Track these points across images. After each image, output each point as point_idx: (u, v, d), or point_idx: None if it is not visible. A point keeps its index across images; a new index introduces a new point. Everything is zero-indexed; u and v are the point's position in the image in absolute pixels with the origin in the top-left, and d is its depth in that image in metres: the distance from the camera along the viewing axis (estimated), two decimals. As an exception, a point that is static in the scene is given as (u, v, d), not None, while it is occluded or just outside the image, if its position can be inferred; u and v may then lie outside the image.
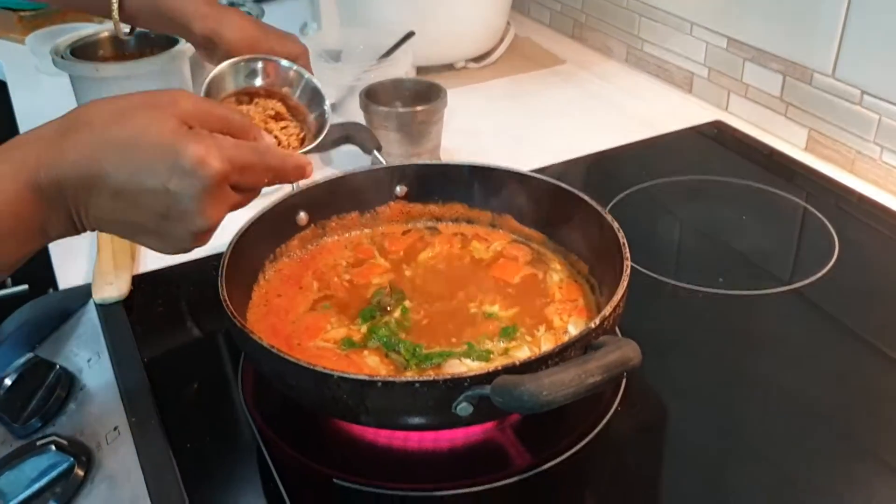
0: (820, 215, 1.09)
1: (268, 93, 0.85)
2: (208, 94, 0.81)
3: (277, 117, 0.84)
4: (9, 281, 1.50)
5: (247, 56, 0.86)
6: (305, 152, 0.83)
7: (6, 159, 0.63)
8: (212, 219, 0.65)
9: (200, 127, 0.66)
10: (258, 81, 0.85)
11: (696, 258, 1.05)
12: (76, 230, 0.66)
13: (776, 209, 1.13)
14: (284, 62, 0.86)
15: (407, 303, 0.85)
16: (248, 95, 0.85)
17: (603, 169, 1.22)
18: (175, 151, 0.62)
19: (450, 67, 1.57)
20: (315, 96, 0.86)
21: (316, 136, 0.84)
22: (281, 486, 0.73)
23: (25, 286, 1.48)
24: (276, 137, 0.82)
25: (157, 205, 0.63)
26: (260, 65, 0.86)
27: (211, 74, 0.82)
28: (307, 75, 0.87)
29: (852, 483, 0.74)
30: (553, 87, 1.53)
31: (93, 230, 0.67)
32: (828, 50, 1.19)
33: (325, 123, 0.85)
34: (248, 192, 0.70)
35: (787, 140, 1.30)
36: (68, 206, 0.64)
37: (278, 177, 0.71)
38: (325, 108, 0.86)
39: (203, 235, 0.67)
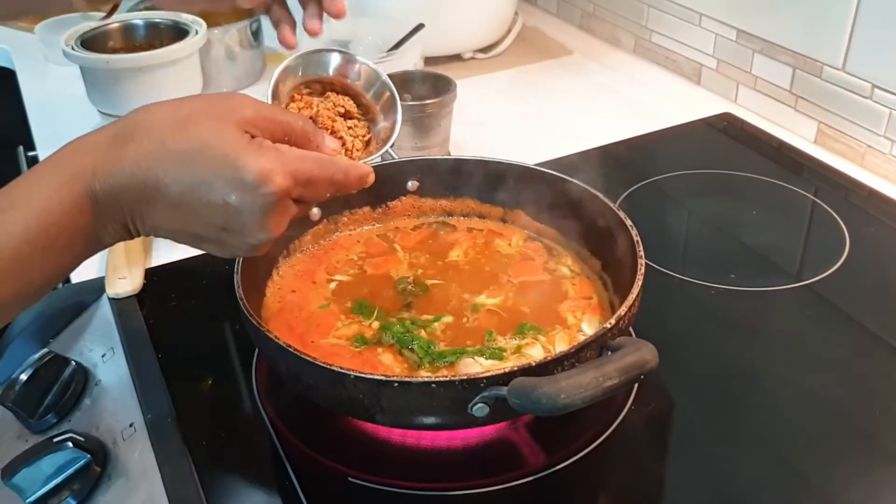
0: (830, 210, 1.10)
1: (342, 87, 0.82)
2: (280, 81, 0.78)
3: (346, 115, 0.81)
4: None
5: (323, 47, 0.83)
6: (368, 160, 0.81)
7: (61, 169, 0.62)
8: (273, 231, 0.65)
9: (263, 135, 0.65)
10: (331, 72, 0.82)
11: (707, 253, 1.05)
12: (130, 236, 0.66)
13: (786, 203, 1.13)
14: (361, 58, 0.83)
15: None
16: (321, 85, 0.82)
17: (613, 162, 1.22)
18: (237, 167, 0.61)
19: (457, 58, 1.57)
20: (388, 99, 0.83)
21: (384, 143, 0.82)
22: (297, 484, 0.73)
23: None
24: (341, 138, 0.80)
25: (217, 217, 0.63)
26: (336, 56, 0.82)
27: (284, 63, 0.80)
28: (384, 76, 0.83)
29: (865, 480, 0.74)
30: (560, 78, 1.52)
31: (147, 235, 0.66)
32: (838, 43, 1.19)
33: (395, 131, 0.82)
34: (309, 203, 0.70)
35: (797, 133, 1.29)
36: (124, 215, 0.63)
37: (341, 189, 0.70)
38: (397, 114, 0.83)
39: (263, 246, 0.66)
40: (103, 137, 0.63)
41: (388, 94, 0.83)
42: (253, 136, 0.64)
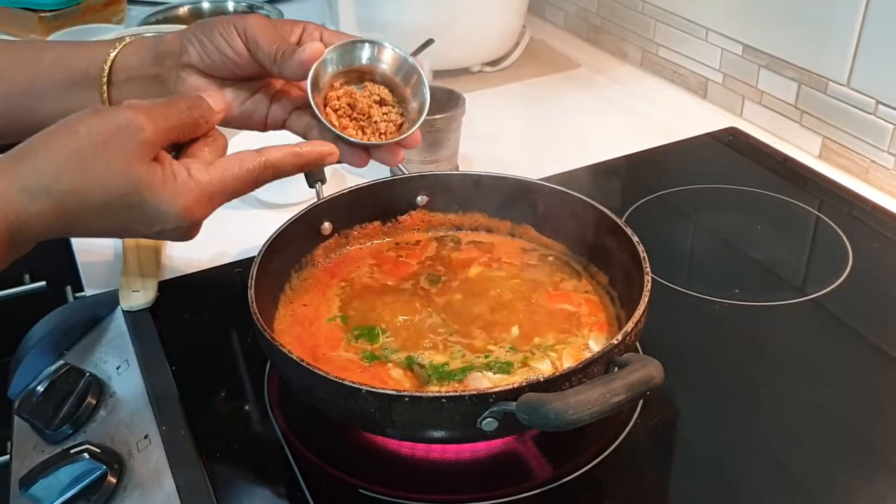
0: (833, 225, 1.11)
1: (377, 74, 0.86)
2: (317, 72, 0.81)
3: (381, 102, 0.85)
4: (26, 277, 1.51)
5: (357, 38, 0.86)
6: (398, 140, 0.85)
7: None
8: (201, 223, 0.74)
9: (164, 147, 0.70)
10: (364, 61, 0.86)
11: (713, 268, 1.07)
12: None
13: (790, 218, 1.14)
14: (389, 44, 0.86)
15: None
16: (357, 73, 0.86)
17: (619, 176, 1.24)
18: (157, 213, 0.68)
19: (466, 71, 1.58)
20: (416, 80, 0.86)
21: (413, 123, 0.85)
22: (308, 495, 0.75)
23: (43, 283, 1.49)
24: (376, 122, 0.84)
25: (145, 233, 0.71)
26: (367, 46, 0.86)
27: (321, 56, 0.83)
28: (411, 60, 0.86)
29: (869, 493, 0.75)
30: (568, 92, 1.54)
31: None
32: (843, 59, 1.20)
33: (423, 111, 0.85)
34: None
35: (802, 148, 1.31)
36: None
37: (286, 175, 0.77)
38: (425, 95, 0.86)
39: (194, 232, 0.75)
40: (4, 183, 0.66)
41: (416, 76, 0.86)
42: (157, 158, 0.68)
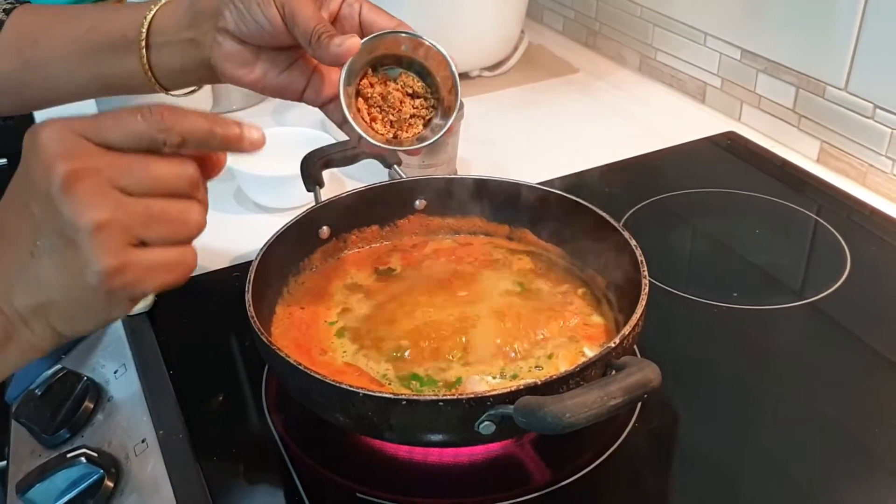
0: (832, 228, 1.11)
1: (418, 70, 0.83)
2: (353, 60, 0.78)
3: (414, 95, 0.83)
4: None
5: (398, 31, 0.82)
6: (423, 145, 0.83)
7: None
8: (74, 163, 0.54)
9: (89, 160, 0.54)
10: (403, 49, 0.82)
11: (711, 272, 1.07)
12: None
13: (788, 222, 1.14)
14: (429, 40, 0.82)
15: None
16: (395, 59, 0.83)
17: (618, 180, 1.24)
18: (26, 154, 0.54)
19: (464, 76, 1.58)
20: (451, 85, 0.83)
21: (437, 130, 0.83)
22: (306, 499, 0.74)
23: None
24: (404, 118, 0.82)
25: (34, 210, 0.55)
26: (405, 38, 0.82)
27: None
28: (452, 64, 0.82)
29: (869, 496, 0.75)
30: (566, 97, 1.54)
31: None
32: (841, 63, 1.20)
33: (450, 117, 0.83)
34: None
35: (800, 152, 1.31)
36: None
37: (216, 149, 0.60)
38: (457, 101, 0.83)
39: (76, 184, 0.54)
40: None
41: (451, 78, 0.83)
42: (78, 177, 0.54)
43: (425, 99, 0.84)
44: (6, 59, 0.85)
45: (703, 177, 1.25)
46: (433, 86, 0.84)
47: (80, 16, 0.85)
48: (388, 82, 0.83)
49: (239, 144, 0.59)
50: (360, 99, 0.82)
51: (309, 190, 0.98)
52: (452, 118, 0.82)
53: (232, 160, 1.15)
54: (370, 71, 0.82)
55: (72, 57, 0.83)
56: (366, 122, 0.82)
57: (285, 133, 1.25)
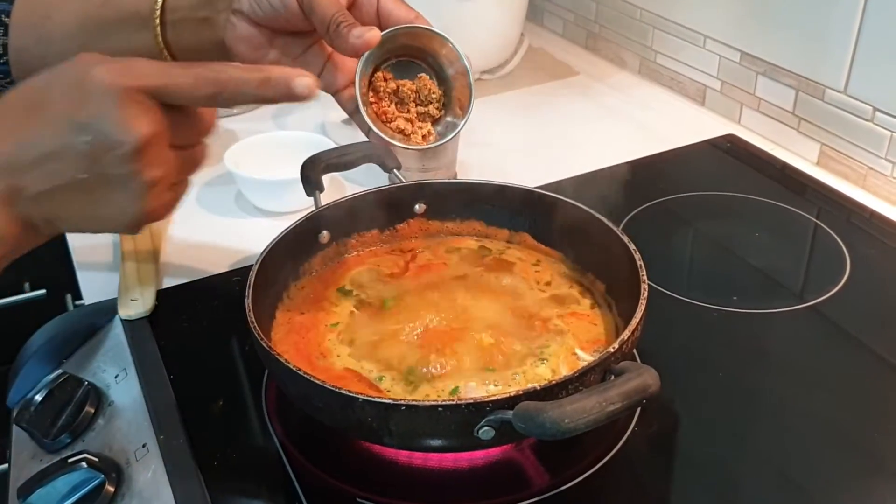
0: (831, 231, 1.11)
1: (432, 66, 0.83)
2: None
3: (425, 93, 0.83)
4: (27, 285, 1.52)
5: (418, 26, 0.80)
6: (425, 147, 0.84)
7: None
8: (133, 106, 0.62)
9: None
10: (418, 48, 0.82)
11: (710, 275, 1.07)
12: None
13: (788, 225, 1.15)
14: (452, 41, 0.82)
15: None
16: (411, 50, 0.82)
17: (617, 183, 1.24)
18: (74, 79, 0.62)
19: (465, 78, 1.58)
20: (465, 86, 0.84)
21: (441, 136, 0.84)
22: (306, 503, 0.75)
23: (43, 291, 1.50)
24: (412, 114, 0.83)
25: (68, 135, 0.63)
26: (426, 36, 0.81)
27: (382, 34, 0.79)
28: (461, 52, 0.82)
29: (869, 499, 0.75)
30: (566, 100, 1.54)
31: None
32: (840, 66, 1.21)
33: (461, 123, 0.83)
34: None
35: (800, 155, 1.31)
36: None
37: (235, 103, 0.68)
38: (469, 106, 0.83)
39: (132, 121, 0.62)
40: None
41: (466, 79, 0.83)
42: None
43: (437, 100, 0.83)
44: (20, 34, 0.85)
45: (702, 180, 1.25)
46: (446, 82, 0.83)
47: None
48: (401, 78, 0.82)
49: (289, 97, 0.67)
50: (371, 91, 0.82)
51: (309, 194, 0.98)
52: (465, 120, 0.82)
53: (232, 165, 1.15)
54: (384, 64, 0.82)
55: (84, 32, 0.83)
56: (376, 114, 0.82)
57: (286, 137, 1.26)
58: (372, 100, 0.83)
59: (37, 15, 0.85)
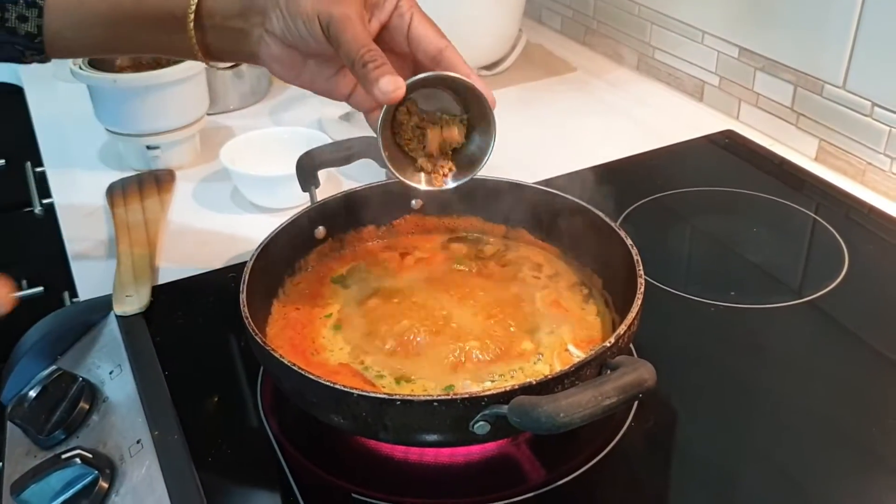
0: (830, 227, 1.10)
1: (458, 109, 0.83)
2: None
3: (448, 133, 0.83)
4: (24, 283, 1.51)
5: (436, 73, 0.79)
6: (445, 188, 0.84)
7: None
8: None
9: None
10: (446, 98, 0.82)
11: (708, 270, 1.06)
12: None
13: (786, 220, 1.14)
14: (479, 82, 0.80)
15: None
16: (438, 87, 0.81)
17: (615, 179, 1.23)
18: None
19: (462, 75, 1.58)
20: (485, 126, 0.82)
21: (460, 177, 0.84)
22: (301, 499, 0.74)
23: (41, 288, 1.49)
24: (433, 161, 0.83)
25: None
26: (449, 79, 0.79)
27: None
28: (486, 101, 0.80)
29: (867, 495, 0.75)
30: (564, 95, 1.54)
31: None
32: (839, 61, 1.20)
33: (477, 169, 0.83)
34: None
35: (798, 150, 1.31)
36: None
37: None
38: (488, 154, 0.82)
39: None
40: None
41: (489, 118, 0.81)
42: None
43: (459, 121, 0.83)
44: (55, 18, 0.84)
45: (700, 175, 1.25)
46: (468, 115, 0.83)
47: None
48: (424, 101, 0.81)
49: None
50: (395, 121, 0.82)
51: (305, 190, 0.98)
52: (483, 163, 0.82)
53: (228, 161, 1.15)
54: (410, 107, 0.81)
55: (116, 24, 0.83)
56: (397, 145, 0.82)
57: (282, 133, 1.25)
58: (396, 130, 0.82)
59: (71, 2, 0.84)
